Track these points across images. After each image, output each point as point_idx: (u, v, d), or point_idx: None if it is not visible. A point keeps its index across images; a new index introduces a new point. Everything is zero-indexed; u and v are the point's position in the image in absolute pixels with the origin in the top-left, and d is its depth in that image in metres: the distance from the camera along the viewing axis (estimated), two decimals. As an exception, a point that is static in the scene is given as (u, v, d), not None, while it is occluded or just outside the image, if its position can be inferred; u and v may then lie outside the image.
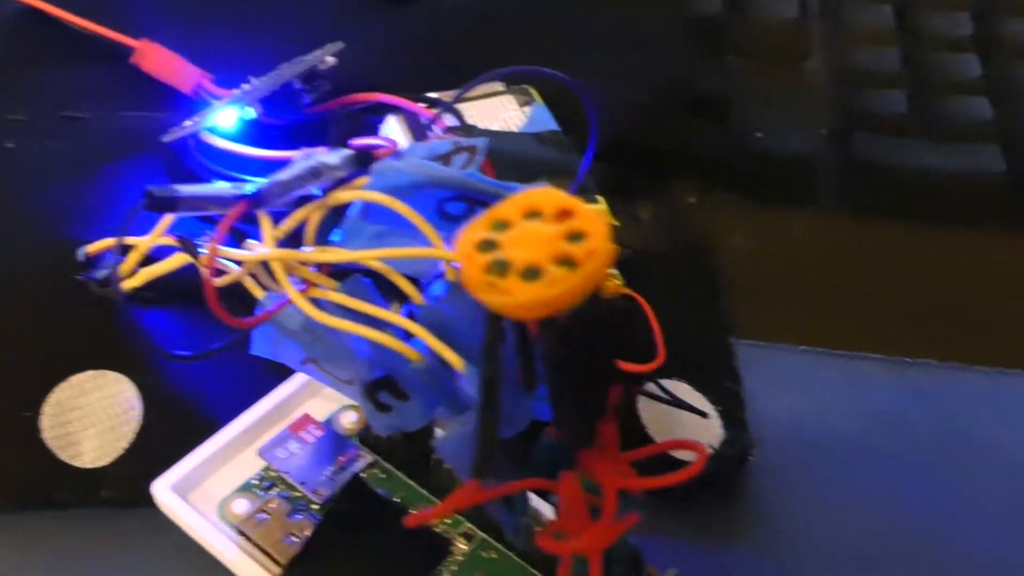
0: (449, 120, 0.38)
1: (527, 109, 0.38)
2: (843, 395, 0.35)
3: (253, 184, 0.26)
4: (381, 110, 0.39)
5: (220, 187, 0.26)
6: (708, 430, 0.32)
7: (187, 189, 0.25)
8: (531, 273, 0.20)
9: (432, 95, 0.39)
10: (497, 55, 0.41)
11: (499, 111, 0.38)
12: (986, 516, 0.31)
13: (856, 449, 0.33)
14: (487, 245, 0.21)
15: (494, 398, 0.21)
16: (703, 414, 0.31)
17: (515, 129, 0.38)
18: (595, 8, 0.44)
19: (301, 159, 0.26)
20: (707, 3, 0.46)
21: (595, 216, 0.21)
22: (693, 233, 0.39)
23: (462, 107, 0.38)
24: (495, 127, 0.38)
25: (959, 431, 0.33)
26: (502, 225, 0.21)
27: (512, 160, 0.36)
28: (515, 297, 0.20)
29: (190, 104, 0.40)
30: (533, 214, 0.21)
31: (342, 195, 0.26)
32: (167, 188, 0.24)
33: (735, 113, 0.42)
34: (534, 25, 0.43)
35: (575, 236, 0.21)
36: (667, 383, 0.32)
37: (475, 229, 0.21)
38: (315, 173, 0.25)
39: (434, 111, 0.38)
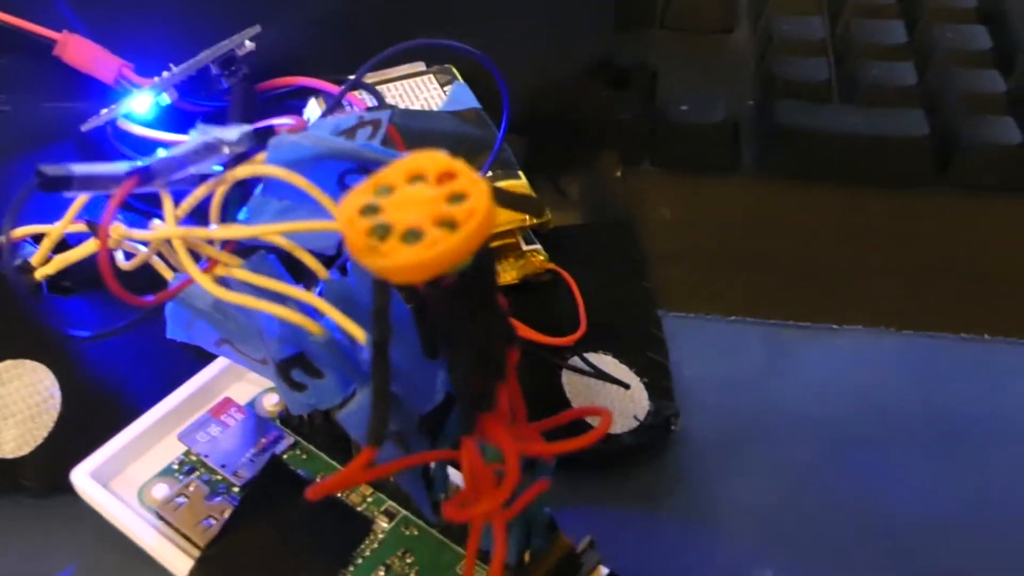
0: (370, 101, 0.38)
1: (448, 88, 0.38)
2: (769, 364, 0.35)
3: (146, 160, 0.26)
4: (303, 94, 0.39)
5: (115, 166, 0.26)
6: (633, 401, 0.32)
7: (80, 168, 0.25)
8: (411, 235, 0.20)
9: (352, 77, 0.39)
10: (418, 33, 0.42)
11: (420, 91, 0.38)
12: (910, 478, 0.31)
13: (782, 418, 0.33)
14: (369, 210, 0.21)
15: (384, 363, 0.21)
16: (626, 385, 0.31)
17: (436, 108, 0.38)
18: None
19: (197, 135, 0.26)
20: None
21: (476, 178, 0.21)
22: (618, 206, 0.39)
23: (382, 88, 0.38)
24: (416, 107, 0.38)
25: (884, 396, 0.33)
26: (385, 190, 0.21)
27: (430, 138, 0.35)
28: (395, 259, 0.20)
29: (112, 94, 0.40)
30: (416, 178, 0.21)
31: (240, 171, 0.26)
32: (60, 167, 0.24)
33: (660, 85, 0.43)
34: (449, 3, 0.43)
35: (456, 198, 0.20)
36: (591, 356, 0.33)
37: (358, 195, 0.21)
38: (211, 148, 0.25)
39: (349, 91, 0.38)
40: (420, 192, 0.21)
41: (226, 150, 0.25)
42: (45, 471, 0.30)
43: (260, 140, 0.27)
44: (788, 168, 0.40)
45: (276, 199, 0.27)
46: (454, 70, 0.39)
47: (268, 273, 0.26)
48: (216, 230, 0.25)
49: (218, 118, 0.38)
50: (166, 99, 0.36)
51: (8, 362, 0.31)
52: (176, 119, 0.37)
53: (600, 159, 0.40)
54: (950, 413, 0.33)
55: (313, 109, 0.38)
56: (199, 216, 0.27)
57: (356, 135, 0.28)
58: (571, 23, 0.41)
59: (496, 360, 0.22)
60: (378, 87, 0.38)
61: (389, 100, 0.38)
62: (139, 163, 0.24)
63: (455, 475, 0.29)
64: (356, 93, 0.38)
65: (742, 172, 0.41)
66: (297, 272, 0.28)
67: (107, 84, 0.40)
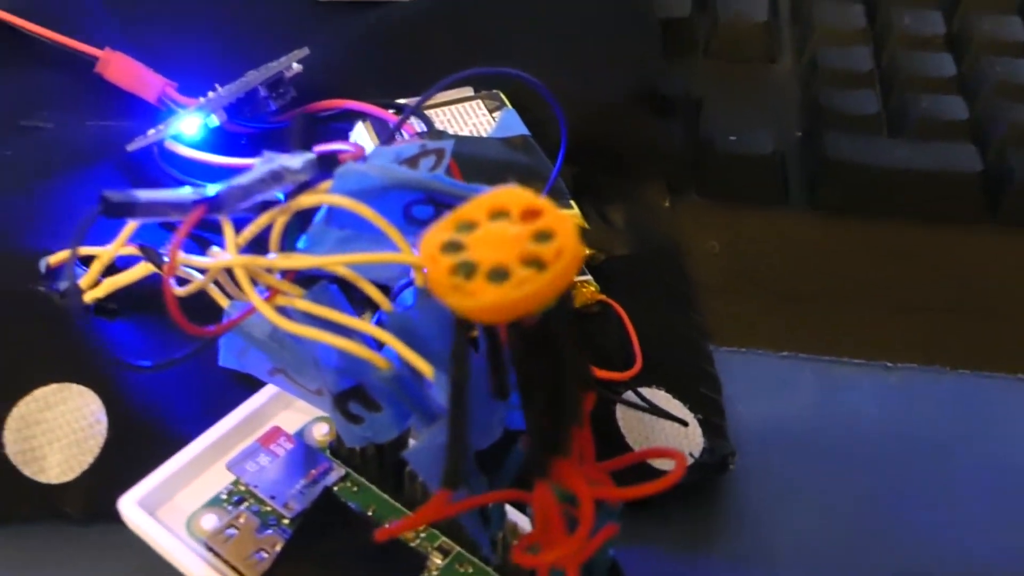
0: (418, 126, 0.37)
1: (496, 114, 0.38)
2: (821, 401, 0.34)
3: (213, 189, 0.25)
4: (350, 117, 0.38)
5: (180, 192, 0.25)
6: (688, 438, 0.31)
7: (145, 194, 0.24)
8: (498, 274, 0.19)
9: (401, 101, 0.38)
10: (465, 58, 0.41)
11: (468, 117, 0.38)
12: (965, 520, 0.31)
13: (836, 455, 0.32)
14: (452, 247, 0.20)
15: (463, 405, 0.20)
16: (683, 423, 0.31)
17: (484, 135, 0.37)
18: (564, 9, 0.44)
19: (262, 163, 0.25)
20: (677, 5, 0.46)
21: (563, 216, 0.20)
22: (666, 237, 0.38)
23: (431, 113, 0.38)
24: (464, 133, 0.37)
25: (939, 436, 0.33)
26: (468, 226, 0.21)
27: (480, 164, 0.35)
28: (481, 299, 0.19)
29: (155, 113, 0.40)
30: (499, 214, 0.21)
31: (305, 199, 0.25)
32: (124, 193, 0.24)
33: (705, 115, 0.42)
34: (502, 27, 0.43)
35: (542, 236, 0.20)
36: (645, 391, 0.32)
37: (440, 231, 0.21)
38: (276, 177, 0.25)
39: (405, 121, 0.37)
40: (504, 229, 0.20)
41: (290, 178, 0.25)
42: (90, 498, 0.30)
43: (323, 168, 0.26)
44: (837, 201, 0.39)
45: (337, 228, 0.26)
46: (502, 96, 0.39)
47: (329, 304, 0.26)
48: (281, 259, 0.25)
49: (266, 140, 0.37)
50: (215, 121, 0.35)
51: (54, 386, 0.31)
52: (223, 140, 0.37)
53: (646, 188, 0.39)
54: (1004, 456, 0.33)
55: (360, 132, 0.37)
56: (256, 243, 0.27)
57: (419, 164, 0.27)
58: (619, 51, 0.41)
59: (573, 404, 0.21)
60: (426, 111, 0.38)
61: (438, 125, 0.37)
62: (206, 191, 0.24)
63: (511, 511, 0.28)
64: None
65: (790, 205, 0.40)
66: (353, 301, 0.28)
67: (150, 103, 0.40)
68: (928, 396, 0.34)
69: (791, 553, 0.30)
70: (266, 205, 0.26)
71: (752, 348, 0.36)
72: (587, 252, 0.34)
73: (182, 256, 0.27)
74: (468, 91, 0.39)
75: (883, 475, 0.32)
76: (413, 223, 0.26)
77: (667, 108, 0.41)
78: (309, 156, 0.26)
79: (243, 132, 0.37)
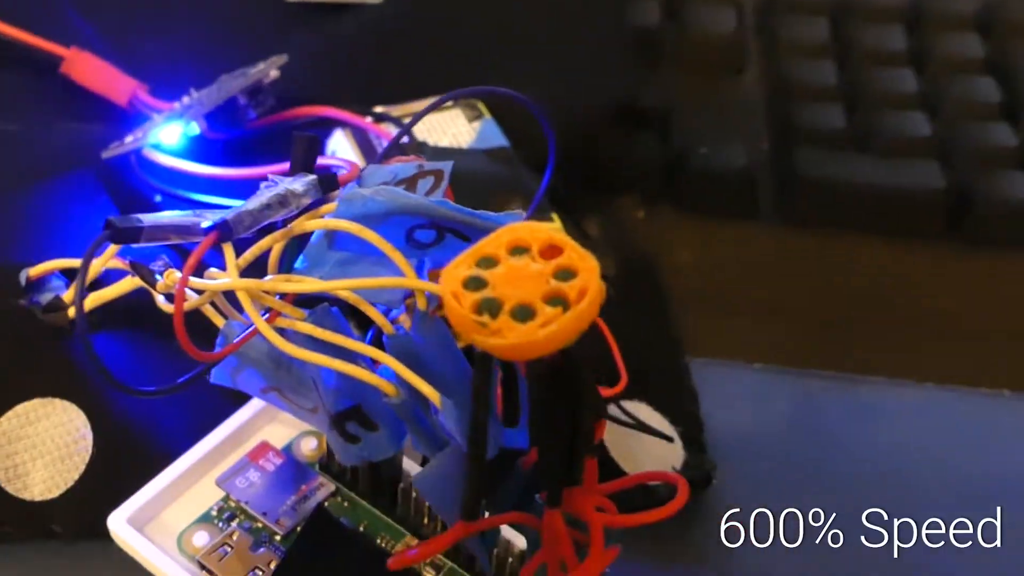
0: (395, 133, 0.37)
1: (476, 124, 0.38)
2: (795, 413, 0.35)
3: (215, 213, 0.25)
4: (326, 124, 0.38)
5: (181, 216, 0.25)
6: (670, 452, 0.32)
7: (149, 219, 0.24)
8: (523, 313, 0.20)
9: (379, 109, 0.38)
10: (441, 64, 0.41)
11: (448, 126, 0.38)
12: (942, 535, 0.32)
13: (812, 468, 0.33)
14: (474, 283, 0.20)
15: (483, 440, 0.21)
16: (668, 438, 0.32)
17: (464, 145, 0.37)
18: (533, 20, 0.44)
19: (266, 187, 0.25)
20: (645, 14, 0.46)
21: (583, 254, 0.21)
22: (641, 249, 0.39)
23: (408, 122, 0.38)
24: (444, 142, 0.37)
25: (909, 450, 0.34)
26: (488, 261, 0.21)
27: (463, 178, 0.35)
28: (508, 338, 0.19)
29: (124, 116, 0.39)
30: (519, 250, 0.21)
31: (310, 224, 0.25)
32: (129, 219, 0.23)
33: (674, 126, 0.43)
34: (478, 33, 0.43)
35: (564, 274, 0.20)
36: (628, 405, 0.33)
37: (460, 266, 0.21)
38: (283, 201, 0.25)
39: (379, 125, 0.37)
40: (526, 266, 0.21)
41: (295, 203, 0.25)
42: (76, 515, 0.30)
43: (324, 190, 0.26)
44: (806, 216, 0.40)
45: (337, 250, 0.26)
46: (480, 105, 0.39)
47: (331, 327, 0.26)
48: (287, 283, 0.25)
49: (242, 147, 0.37)
50: (195, 129, 0.35)
51: (36, 400, 0.30)
52: (199, 147, 0.36)
53: (621, 201, 0.40)
54: (971, 470, 0.34)
55: (338, 140, 0.37)
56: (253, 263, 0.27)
57: (416, 185, 0.27)
58: (594, 61, 0.41)
59: (588, 435, 0.22)
60: (405, 121, 0.38)
61: (417, 135, 0.37)
62: (211, 218, 0.24)
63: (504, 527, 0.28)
64: (383, 126, 0.37)
65: (761, 218, 0.41)
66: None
67: (119, 105, 0.39)
68: (897, 410, 0.35)
69: (771, 567, 0.31)
70: (266, 227, 0.26)
71: (726, 359, 0.36)
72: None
73: (177, 275, 0.26)
74: (447, 101, 0.39)
75: (857, 488, 0.33)
76: (414, 246, 0.26)
77: (642, 120, 0.42)
78: (311, 178, 0.26)
79: (219, 139, 0.37)
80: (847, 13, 0.48)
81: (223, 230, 0.23)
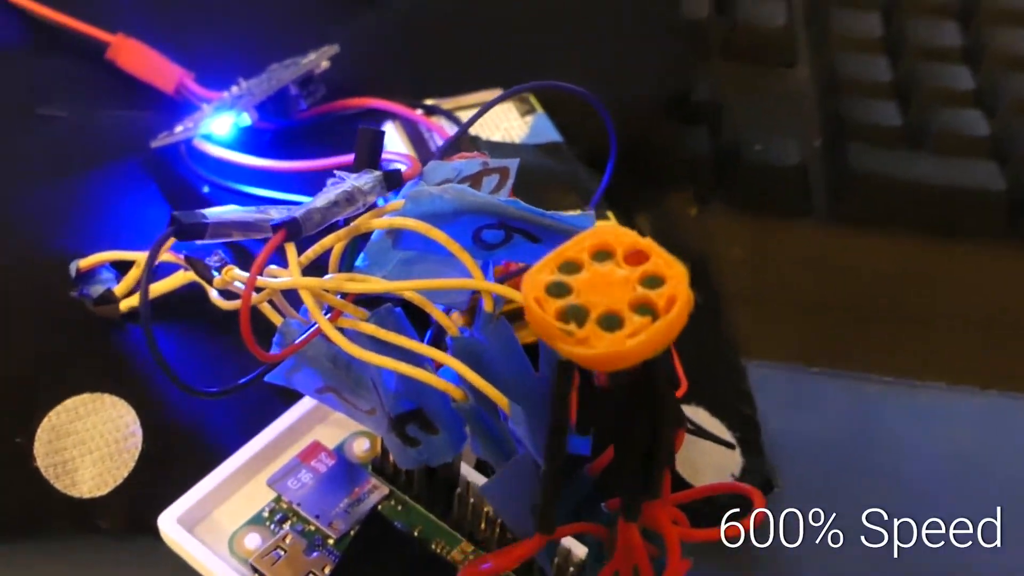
0: (449, 128, 0.36)
1: (528, 119, 0.37)
2: (852, 418, 0.34)
3: (280, 209, 0.24)
4: (376, 116, 0.37)
5: (245, 211, 0.25)
6: (729, 458, 0.31)
7: (214, 214, 0.23)
8: (610, 321, 0.19)
9: (429, 101, 0.37)
10: (493, 57, 0.40)
11: (500, 121, 0.37)
12: (999, 542, 0.31)
13: (869, 474, 0.33)
14: (558, 288, 0.20)
15: (561, 451, 0.20)
16: (731, 445, 0.31)
17: (517, 140, 0.37)
18: (584, 9, 0.43)
19: (332, 184, 0.24)
20: (695, 6, 0.46)
21: (671, 260, 0.20)
22: (692, 246, 0.38)
23: (461, 115, 0.37)
24: (496, 137, 0.37)
25: (970, 456, 0.33)
26: (571, 266, 0.20)
27: (519, 174, 0.34)
28: (596, 347, 0.19)
29: (171, 104, 0.38)
30: (602, 255, 0.20)
31: (376, 222, 0.25)
32: (194, 214, 0.23)
33: (725, 120, 0.42)
34: (526, 26, 0.42)
35: (652, 281, 0.20)
36: (686, 409, 0.32)
37: (542, 271, 0.20)
38: (350, 199, 0.24)
39: (430, 118, 0.37)
40: (611, 272, 0.20)
41: (361, 200, 0.24)
42: (124, 513, 0.29)
43: (389, 187, 0.26)
44: (861, 213, 0.39)
45: (402, 248, 0.26)
46: (532, 99, 0.38)
47: (394, 328, 0.25)
48: (352, 283, 0.24)
49: (292, 137, 0.36)
50: (246, 120, 0.34)
51: (86, 395, 0.30)
52: (247, 137, 0.36)
53: (672, 197, 0.39)
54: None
55: (390, 133, 0.36)
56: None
57: (481, 183, 0.27)
58: (648, 54, 0.41)
59: (669, 447, 0.21)
60: (456, 114, 0.37)
61: (469, 130, 0.36)
62: (277, 214, 0.23)
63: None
64: (434, 119, 0.37)
65: (814, 215, 0.40)
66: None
67: (165, 93, 0.39)
68: (956, 416, 0.35)
69: (833, 571, 0.30)
70: (330, 226, 0.25)
71: (779, 362, 0.36)
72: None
73: (237, 272, 0.26)
74: (497, 92, 0.38)
75: (916, 494, 0.32)
76: (481, 246, 0.26)
77: (694, 114, 0.41)
78: (376, 175, 0.25)
79: (268, 129, 0.36)
80: (899, 6, 0.47)
81: (291, 228, 0.22)
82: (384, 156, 0.31)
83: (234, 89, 0.36)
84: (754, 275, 0.38)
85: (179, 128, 0.34)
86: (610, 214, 0.35)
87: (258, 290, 0.26)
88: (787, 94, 0.45)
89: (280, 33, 0.40)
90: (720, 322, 0.36)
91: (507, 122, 0.37)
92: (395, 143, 0.36)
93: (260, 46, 0.39)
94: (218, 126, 0.34)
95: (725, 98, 0.43)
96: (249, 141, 0.35)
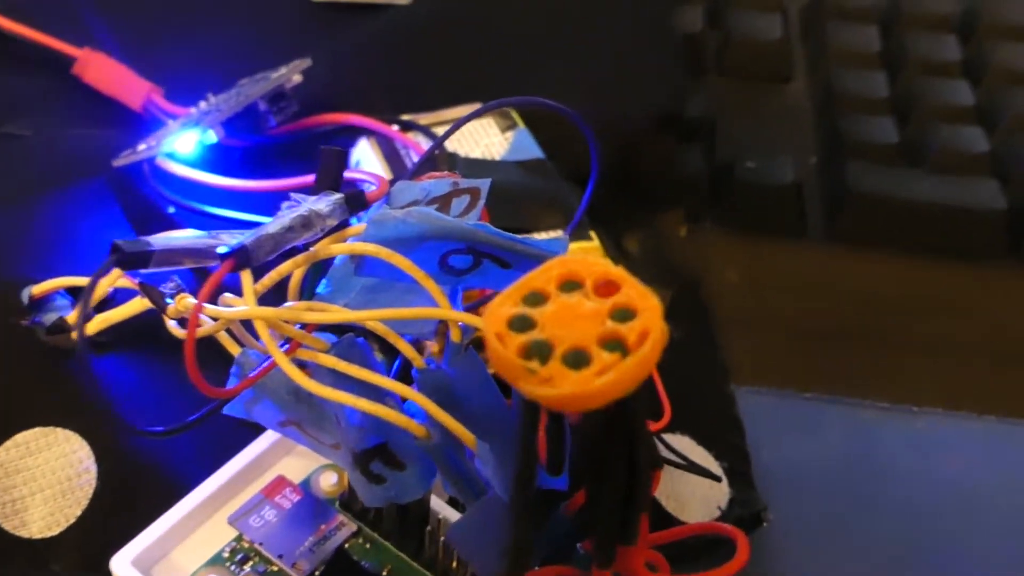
0: (427, 145, 0.35)
1: (509, 134, 0.36)
2: (847, 446, 0.33)
3: (233, 235, 0.23)
4: (351, 132, 0.36)
5: (195, 238, 0.23)
6: (716, 489, 0.30)
7: (161, 241, 0.22)
8: (576, 358, 0.18)
9: (406, 117, 0.36)
10: (473, 71, 0.39)
11: (480, 136, 0.36)
12: (995, 570, 0.30)
13: (865, 504, 0.31)
14: (521, 322, 0.18)
15: (528, 495, 0.19)
16: (717, 478, 0.29)
17: (498, 156, 0.35)
18: (572, 22, 0.42)
19: (288, 207, 0.23)
20: (688, 20, 0.44)
21: (644, 292, 0.18)
22: (683, 267, 0.37)
23: (439, 131, 0.36)
24: (476, 154, 0.35)
25: (968, 483, 0.32)
26: (536, 298, 0.19)
27: (497, 193, 0.33)
28: (561, 387, 0.17)
29: (139, 121, 0.37)
30: (570, 285, 0.19)
31: (336, 248, 0.23)
32: (138, 242, 0.21)
33: (720, 138, 0.40)
34: (508, 39, 0.41)
35: (622, 314, 0.18)
36: (670, 438, 0.30)
37: (505, 303, 0.19)
38: (306, 224, 0.22)
39: (407, 134, 0.35)
40: (579, 304, 0.18)
41: (319, 224, 0.23)
42: (77, 554, 0.27)
43: (352, 210, 0.24)
44: (858, 234, 0.38)
45: (365, 275, 0.24)
46: (514, 114, 0.37)
47: (357, 360, 0.24)
48: (311, 313, 0.23)
49: (261, 155, 0.35)
50: (212, 137, 0.33)
51: (37, 430, 0.28)
52: (215, 155, 0.34)
53: (663, 217, 0.38)
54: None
55: (364, 150, 0.35)
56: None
57: (450, 204, 0.25)
58: (639, 69, 0.39)
59: (645, 490, 0.19)
60: (434, 129, 0.36)
61: (447, 146, 0.35)
62: (228, 241, 0.21)
63: None
64: (411, 135, 0.35)
65: (810, 235, 0.38)
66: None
67: (133, 109, 0.37)
68: (956, 442, 0.33)
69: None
70: (288, 251, 0.24)
71: (772, 387, 0.34)
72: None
73: (190, 301, 0.24)
74: (477, 107, 0.37)
75: (913, 523, 0.31)
76: (450, 273, 0.24)
77: (685, 131, 0.40)
78: (337, 198, 0.24)
79: (238, 147, 0.35)
80: (898, 20, 0.45)
81: (240, 256, 0.21)
82: (356, 176, 0.30)
83: (202, 105, 0.35)
84: (747, 297, 0.37)
85: (142, 146, 0.33)
86: (593, 234, 0.33)
87: (216, 319, 0.24)
88: (783, 110, 0.43)
89: (253, 47, 0.39)
90: (710, 347, 0.34)
91: (487, 138, 0.36)
92: (369, 161, 0.34)
93: (232, 61, 0.37)
94: (182, 144, 0.32)
95: (718, 114, 0.42)
96: (218, 160, 0.34)
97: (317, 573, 0.27)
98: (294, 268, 0.23)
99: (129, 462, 0.28)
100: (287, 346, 0.24)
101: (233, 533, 0.27)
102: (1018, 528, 0.31)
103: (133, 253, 0.21)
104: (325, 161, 0.24)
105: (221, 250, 0.21)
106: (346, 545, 0.27)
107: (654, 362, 0.18)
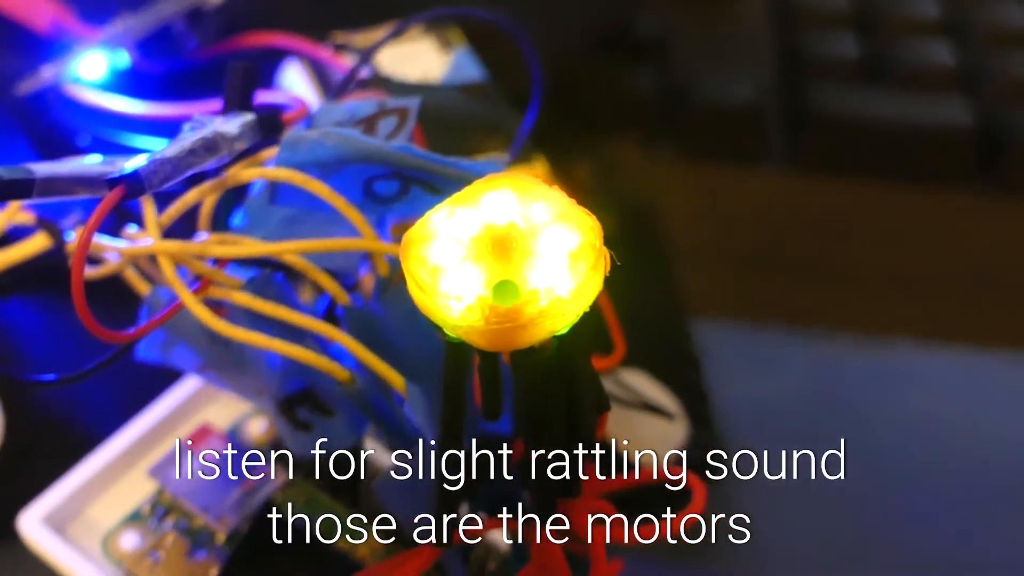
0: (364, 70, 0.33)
1: (449, 55, 0.33)
2: (811, 381, 0.31)
3: (130, 160, 0.20)
4: (278, 55, 0.33)
5: (87, 163, 0.21)
6: (673, 427, 0.28)
7: (44, 168, 0.19)
8: (503, 290, 0.16)
9: (340, 37, 0.33)
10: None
11: (418, 57, 0.33)
12: (966, 504, 0.29)
13: (829, 443, 0.30)
14: (445, 251, 0.16)
15: (455, 451, 0.17)
16: (669, 415, 0.28)
17: (436, 79, 0.33)
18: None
19: (190, 128, 0.21)
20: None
21: (582, 212, 0.16)
22: (637, 194, 0.35)
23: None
24: (413, 77, 0.33)
25: (938, 417, 0.30)
26: (463, 224, 0.17)
27: (435, 117, 0.31)
28: (487, 326, 0.15)
29: (46, 45, 0.34)
30: (499, 207, 0.17)
31: (246, 174, 0.21)
32: (18, 169, 0.19)
33: (674, 58, 0.38)
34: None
35: (556, 238, 0.16)
36: (624, 374, 0.29)
37: (427, 228, 0.16)
38: (210, 146, 0.20)
39: (340, 56, 0.33)
40: (510, 231, 0.16)
41: (226, 148, 0.20)
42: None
43: (266, 133, 0.22)
44: (819, 157, 0.36)
45: (282, 205, 0.22)
46: (453, 33, 0.34)
47: (274, 297, 0.22)
48: (220, 246, 0.21)
49: (180, 82, 0.32)
50: (124, 60, 0.30)
51: (-64, 381, 0.26)
52: (131, 81, 0.32)
53: (615, 141, 0.35)
54: (1006, 436, 0.30)
55: (292, 74, 0.32)
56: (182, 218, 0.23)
57: (376, 126, 0.23)
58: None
59: (589, 437, 0.18)
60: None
61: (382, 68, 0.32)
62: (123, 167, 0.19)
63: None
64: (344, 56, 0.33)
65: (769, 160, 0.37)
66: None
67: (39, 33, 0.34)
68: (924, 376, 0.31)
69: (787, 552, 0.27)
70: (194, 177, 0.21)
71: (731, 319, 0.32)
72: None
73: (103, 242, 0.22)
74: (417, 27, 0.35)
75: (881, 461, 0.30)
76: (376, 201, 0.22)
77: (636, 50, 0.37)
78: (248, 119, 0.22)
79: (155, 72, 0.32)
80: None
81: (131, 183, 0.18)
82: (279, 100, 0.27)
83: (114, 26, 0.32)
84: (703, 226, 0.35)
85: (46, 71, 0.30)
86: (540, 159, 0.31)
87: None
88: (739, 25, 0.41)
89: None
90: (665, 279, 0.32)
91: (425, 60, 0.33)
92: (298, 85, 0.32)
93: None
94: (90, 67, 0.30)
95: (671, 32, 0.39)
96: (135, 86, 0.31)
97: (244, 528, 0.25)
98: (202, 196, 0.21)
99: (39, 412, 0.26)
100: (197, 285, 0.21)
101: (154, 486, 0.25)
102: (987, 461, 0.30)
103: (12, 181, 0.19)
104: (232, 78, 0.21)
105: (110, 176, 0.18)
106: (276, 498, 0.25)
107: (594, 293, 0.16)
